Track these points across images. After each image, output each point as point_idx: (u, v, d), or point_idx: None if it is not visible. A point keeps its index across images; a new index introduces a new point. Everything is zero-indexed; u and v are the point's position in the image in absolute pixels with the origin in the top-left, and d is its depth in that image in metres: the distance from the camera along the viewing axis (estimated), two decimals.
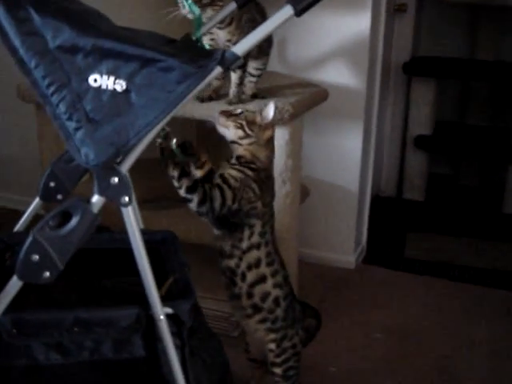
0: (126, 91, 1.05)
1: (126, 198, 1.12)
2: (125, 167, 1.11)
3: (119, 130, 1.05)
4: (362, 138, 2.47)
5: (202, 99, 1.83)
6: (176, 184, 1.38)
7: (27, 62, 1.05)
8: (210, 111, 1.74)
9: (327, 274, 2.54)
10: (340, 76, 2.40)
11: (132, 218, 1.13)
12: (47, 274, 1.11)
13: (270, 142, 1.50)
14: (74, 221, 1.10)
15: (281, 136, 1.86)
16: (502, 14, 3.33)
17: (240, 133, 1.44)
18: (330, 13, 2.33)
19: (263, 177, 1.47)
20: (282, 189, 1.93)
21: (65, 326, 1.19)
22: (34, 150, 2.23)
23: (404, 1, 3.15)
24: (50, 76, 1.05)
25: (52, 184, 1.48)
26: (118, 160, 1.11)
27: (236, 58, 1.08)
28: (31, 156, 2.45)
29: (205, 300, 2.11)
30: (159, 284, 1.26)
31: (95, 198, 1.11)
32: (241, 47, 1.09)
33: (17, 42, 1.04)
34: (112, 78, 1.04)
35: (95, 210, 1.11)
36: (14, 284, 1.13)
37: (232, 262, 1.49)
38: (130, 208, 1.13)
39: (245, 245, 1.47)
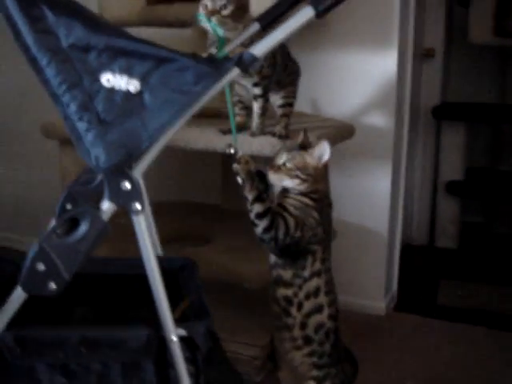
0: (140, 92, 1.01)
1: (138, 205, 1.07)
2: (137, 172, 1.06)
3: (131, 132, 1.01)
4: (390, 180, 2.40)
5: (224, 132, 1.79)
6: (248, 206, 1.39)
7: (39, 60, 1.02)
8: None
9: (356, 320, 2.42)
10: (368, 117, 2.37)
11: (143, 228, 1.07)
12: (53, 285, 1.05)
13: (326, 171, 1.48)
14: (82, 228, 1.05)
15: None
16: None
17: (297, 181, 1.42)
18: (358, 53, 2.33)
19: (324, 204, 1.47)
20: None
21: (71, 346, 1.12)
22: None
23: (432, 46, 3.15)
24: (61, 74, 1.02)
25: (69, 206, 1.43)
26: (131, 164, 1.06)
27: (254, 59, 1.04)
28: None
29: (226, 342, 2.03)
30: (174, 307, 1.19)
31: (105, 205, 1.06)
32: (259, 48, 1.05)
33: (29, 39, 1.02)
34: (125, 78, 1.01)
35: (105, 217, 1.06)
36: (18, 296, 1.07)
37: (290, 291, 1.45)
38: (141, 216, 1.07)
39: (307, 272, 1.44)
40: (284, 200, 1.44)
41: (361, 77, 2.34)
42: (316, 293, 1.46)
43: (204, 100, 1.04)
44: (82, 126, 1.02)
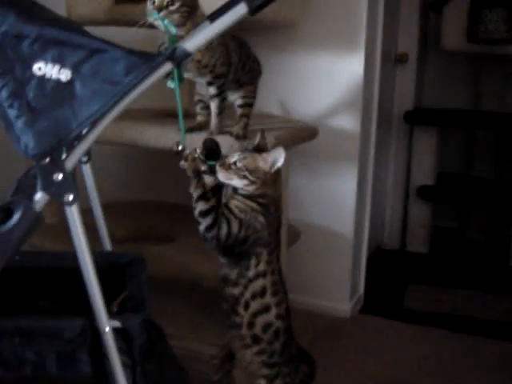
0: (71, 81, 1.03)
1: (70, 196, 1.08)
2: (70, 163, 1.07)
3: (61, 121, 1.03)
4: (356, 183, 2.42)
5: (191, 129, 1.78)
6: (193, 203, 1.40)
7: None
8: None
9: (319, 321, 2.43)
10: (334, 119, 2.38)
11: (76, 218, 1.08)
12: None
13: (278, 180, 1.47)
14: (14, 218, 1.06)
15: None
16: (505, 63, 3.32)
17: (245, 182, 1.41)
18: (325, 56, 2.35)
19: (272, 210, 1.45)
20: None
21: (6, 336, 1.13)
22: None
23: (405, 51, 3.17)
24: None
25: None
26: (63, 156, 1.07)
27: (186, 54, 1.06)
28: None
29: (186, 341, 2.04)
30: (112, 300, 1.20)
31: (38, 195, 1.07)
32: (192, 43, 1.07)
33: None
34: (57, 67, 1.02)
35: (37, 207, 1.07)
36: None
37: (236, 290, 1.45)
38: (74, 207, 1.08)
39: (251, 273, 1.44)
40: (231, 201, 1.43)
41: (328, 79, 2.36)
42: (262, 293, 1.45)
43: (137, 92, 1.05)
44: (12, 112, 1.03)
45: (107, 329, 1.13)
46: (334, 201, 2.45)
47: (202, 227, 1.39)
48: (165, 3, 1.49)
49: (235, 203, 1.42)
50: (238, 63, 1.72)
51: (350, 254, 2.49)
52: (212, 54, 1.61)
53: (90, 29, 1.78)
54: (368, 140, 2.55)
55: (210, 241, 1.41)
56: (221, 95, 1.70)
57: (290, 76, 2.41)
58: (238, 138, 1.73)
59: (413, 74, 3.26)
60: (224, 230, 1.39)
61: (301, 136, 2.03)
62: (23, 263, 1.46)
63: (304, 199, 2.46)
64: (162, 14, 1.48)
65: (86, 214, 1.47)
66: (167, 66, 1.06)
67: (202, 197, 1.39)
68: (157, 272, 1.89)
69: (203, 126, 1.79)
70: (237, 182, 1.42)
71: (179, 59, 1.05)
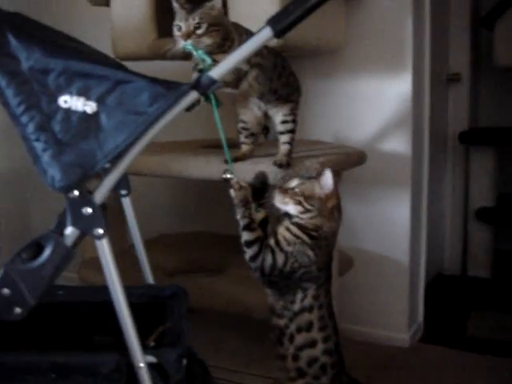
0: (96, 113, 1.03)
1: (100, 230, 1.07)
2: (98, 197, 1.07)
3: (87, 153, 1.03)
4: (410, 208, 2.34)
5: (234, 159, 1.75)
6: (239, 231, 1.37)
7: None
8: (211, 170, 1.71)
9: (376, 352, 2.35)
10: (385, 143, 2.33)
11: (107, 252, 1.07)
12: (18, 310, 1.06)
13: (335, 211, 1.41)
14: (45, 254, 1.05)
15: None
16: None
17: (300, 208, 1.37)
18: (372, 79, 2.32)
19: (323, 245, 1.39)
20: None
21: (42, 372, 1.12)
22: None
23: (457, 70, 3.10)
24: (20, 95, 1.04)
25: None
26: (92, 189, 1.07)
27: (212, 81, 1.04)
28: None
29: (237, 374, 2.01)
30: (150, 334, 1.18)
31: (68, 230, 1.07)
32: (218, 71, 1.05)
33: None
34: (82, 99, 1.03)
35: (68, 242, 1.07)
36: None
37: (281, 322, 1.41)
38: (104, 241, 1.07)
39: (296, 307, 1.39)
40: (279, 231, 1.38)
41: (375, 102, 2.32)
42: (308, 327, 1.40)
43: (163, 122, 1.04)
44: (39, 146, 1.04)
45: (142, 364, 1.11)
46: (388, 226, 2.38)
47: (247, 256, 1.36)
48: (192, 28, 1.45)
49: (284, 234, 1.37)
50: (269, 72, 1.66)
51: (407, 280, 2.41)
52: (260, 81, 1.60)
53: (135, 64, 1.83)
54: (421, 162, 2.48)
55: (254, 270, 1.37)
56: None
57: (336, 101, 2.38)
58: (281, 166, 1.67)
59: (466, 93, 3.18)
60: (268, 261, 1.35)
61: (348, 161, 1.98)
62: (75, 298, 1.48)
63: (356, 226, 2.41)
64: (192, 40, 1.45)
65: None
66: (192, 95, 1.04)
67: (248, 227, 1.35)
68: (206, 305, 1.88)
69: (248, 156, 1.75)
70: (291, 209, 1.37)
71: (205, 87, 1.04)
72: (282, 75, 1.70)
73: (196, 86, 1.04)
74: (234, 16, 1.84)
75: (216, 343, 2.20)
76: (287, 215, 1.40)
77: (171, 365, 1.14)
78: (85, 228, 1.06)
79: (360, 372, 2.09)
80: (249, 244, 1.35)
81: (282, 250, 1.35)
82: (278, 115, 1.75)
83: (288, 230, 1.37)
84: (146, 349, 1.14)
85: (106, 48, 1.92)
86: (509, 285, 3.11)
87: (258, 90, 1.63)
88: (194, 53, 1.48)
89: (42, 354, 1.16)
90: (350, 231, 2.40)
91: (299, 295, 1.38)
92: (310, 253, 1.36)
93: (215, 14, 1.49)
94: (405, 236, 2.37)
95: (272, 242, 1.37)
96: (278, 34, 1.04)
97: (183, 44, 1.48)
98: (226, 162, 1.66)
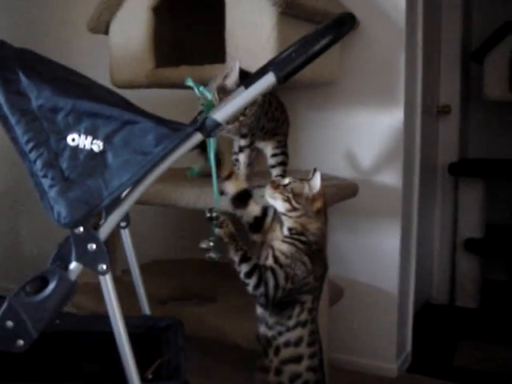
0: (103, 152, 1.06)
1: (104, 266, 1.10)
2: (103, 234, 1.10)
3: (93, 190, 1.06)
4: (400, 239, 2.38)
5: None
6: (236, 268, 1.39)
7: (9, 119, 1.08)
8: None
9: (364, 382, 2.37)
10: (376, 175, 2.37)
11: (110, 287, 1.10)
12: (21, 342, 1.08)
13: (321, 213, 1.47)
14: (50, 287, 1.08)
15: None
16: None
17: (287, 206, 1.42)
18: (364, 111, 2.36)
19: (314, 250, 1.44)
20: None
21: None
22: None
23: (447, 102, 3.16)
24: (29, 133, 1.08)
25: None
26: (97, 226, 1.09)
27: (216, 124, 1.08)
28: None
29: None
30: (148, 366, 1.20)
31: (72, 265, 1.10)
32: (221, 114, 1.09)
33: (2, 99, 1.09)
34: (90, 138, 1.06)
35: (72, 276, 1.09)
36: None
37: (270, 333, 1.43)
38: (107, 276, 1.10)
39: (292, 322, 1.42)
40: (275, 246, 1.42)
41: (368, 134, 2.36)
42: (297, 343, 1.42)
43: (168, 163, 1.07)
44: (46, 182, 1.07)
45: None
46: (378, 257, 2.41)
47: (250, 288, 1.38)
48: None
49: (280, 248, 1.41)
50: (260, 107, 1.73)
51: (396, 310, 2.43)
52: (252, 113, 1.64)
53: (132, 92, 1.85)
54: (411, 194, 2.52)
55: (259, 298, 1.39)
56: (251, 145, 1.73)
57: (329, 133, 2.43)
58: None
59: (456, 125, 3.24)
60: (271, 283, 1.37)
61: (341, 194, 2.03)
62: (67, 327, 1.50)
63: (346, 256, 2.44)
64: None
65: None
66: (197, 137, 1.08)
67: (244, 258, 1.38)
68: (198, 334, 1.89)
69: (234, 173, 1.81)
70: (279, 205, 1.42)
71: (209, 130, 1.07)
72: (268, 111, 1.76)
73: (200, 128, 1.07)
74: (231, 48, 1.89)
75: (207, 371, 2.21)
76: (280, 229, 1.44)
77: None
78: (89, 263, 1.09)
79: None
80: (249, 274, 1.38)
81: (281, 266, 1.39)
82: (267, 149, 1.82)
83: (283, 241, 1.42)
84: (144, 381, 1.16)
85: (103, 75, 1.97)
86: (496, 315, 3.15)
87: (247, 126, 1.68)
88: (195, 89, 1.52)
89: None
90: (341, 261, 2.43)
91: (297, 309, 1.41)
92: (306, 259, 1.40)
93: None
94: (394, 266, 2.40)
95: (270, 261, 1.40)
96: (281, 80, 1.08)
97: (185, 79, 1.52)
98: (222, 193, 1.71)
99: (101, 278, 1.10)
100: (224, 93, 1.53)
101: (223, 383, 2.12)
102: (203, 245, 1.38)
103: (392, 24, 2.28)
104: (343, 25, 1.09)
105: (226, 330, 1.91)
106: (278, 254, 1.41)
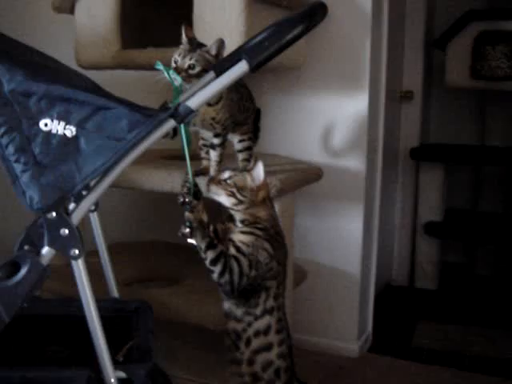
0: (76, 137, 1.06)
1: (76, 251, 1.10)
2: (75, 218, 1.10)
3: (66, 175, 1.06)
4: (362, 222, 2.43)
5: (196, 173, 1.80)
6: (202, 255, 1.39)
7: None
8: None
9: (327, 362, 2.42)
10: (340, 159, 2.40)
11: (82, 272, 1.11)
12: None
13: (267, 200, 1.48)
14: (21, 272, 1.08)
15: None
16: (509, 99, 3.35)
17: (233, 200, 1.43)
18: (329, 96, 2.39)
19: (273, 233, 1.46)
20: None
21: None
22: None
23: (410, 88, 3.21)
24: (1, 117, 1.07)
25: (26, 247, 1.47)
26: (69, 210, 1.10)
27: (189, 111, 1.09)
28: None
29: None
30: (118, 349, 1.21)
31: (44, 250, 1.10)
32: (195, 101, 1.10)
33: None
34: (62, 123, 1.06)
35: (44, 261, 1.10)
36: None
37: (239, 326, 1.44)
38: (80, 261, 1.10)
39: (259, 310, 1.44)
40: (234, 238, 1.43)
41: (333, 119, 2.39)
42: (266, 331, 1.44)
43: (142, 148, 1.08)
44: (18, 167, 1.06)
45: (112, 380, 1.14)
46: (341, 240, 2.46)
47: (215, 275, 1.39)
48: (185, 66, 1.51)
49: (240, 238, 1.42)
50: (235, 104, 1.74)
51: (358, 292, 2.49)
52: (226, 110, 1.65)
53: (98, 73, 1.84)
54: (374, 178, 2.56)
55: (224, 286, 1.40)
56: (223, 144, 1.73)
57: (295, 117, 2.45)
58: None
59: (418, 111, 3.30)
60: (236, 270, 1.38)
61: (306, 178, 2.05)
62: (33, 310, 1.49)
63: (310, 239, 2.48)
64: (181, 76, 1.50)
65: (94, 255, 1.51)
66: (170, 123, 1.08)
67: (210, 245, 1.38)
68: (162, 315, 1.91)
69: (208, 171, 1.81)
70: (224, 200, 1.43)
71: (182, 117, 1.08)
72: (240, 104, 1.77)
73: (174, 114, 1.08)
74: (199, 32, 1.89)
75: (172, 353, 2.23)
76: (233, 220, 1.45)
77: (141, 380, 1.18)
78: (61, 248, 1.09)
79: (311, 381, 2.16)
80: (215, 261, 1.38)
81: (244, 254, 1.40)
82: (236, 136, 1.83)
83: (241, 232, 1.43)
84: (115, 364, 1.17)
85: (68, 56, 1.94)
86: (453, 296, 3.24)
87: (221, 119, 1.68)
88: (165, 72, 1.52)
89: (11, 369, 1.18)
90: (305, 244, 2.47)
91: (263, 296, 1.43)
92: (267, 245, 1.42)
93: (210, 58, 1.54)
94: (357, 249, 2.45)
95: (233, 250, 1.41)
96: (254, 68, 1.09)
97: (155, 63, 1.52)
98: (196, 173, 1.72)
99: (73, 262, 1.10)
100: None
101: (189, 365, 2.14)
102: (183, 230, 1.36)
103: (358, 10, 2.30)
104: (316, 15, 1.10)
105: (190, 312, 1.93)
106: (238, 244, 1.42)
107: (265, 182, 1.47)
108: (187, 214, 1.38)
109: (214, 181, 1.45)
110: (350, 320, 2.50)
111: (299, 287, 2.27)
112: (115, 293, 1.54)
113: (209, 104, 1.64)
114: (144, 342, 1.32)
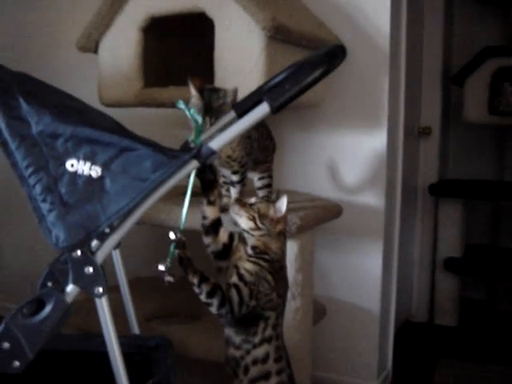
0: (101, 177, 1.08)
1: (100, 289, 1.12)
2: (99, 257, 1.12)
3: (91, 215, 1.08)
4: (382, 259, 2.42)
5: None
6: (196, 290, 1.38)
7: (9, 144, 1.10)
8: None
9: None
10: (359, 196, 2.41)
11: (106, 310, 1.12)
12: (17, 363, 1.09)
13: (282, 234, 1.50)
14: (46, 309, 1.10)
15: (289, 249, 1.80)
16: None
17: (251, 224, 1.45)
18: (348, 133, 2.41)
19: (277, 268, 1.47)
20: (291, 304, 1.86)
21: None
22: None
23: (428, 124, 3.23)
24: (28, 158, 1.10)
25: (49, 284, 1.49)
26: (94, 249, 1.12)
27: (211, 152, 1.11)
28: None
29: None
30: None
31: (69, 288, 1.12)
32: (217, 142, 1.12)
33: (3, 124, 1.11)
34: (88, 164, 1.08)
35: (68, 299, 1.11)
36: None
37: (238, 353, 1.44)
38: (103, 299, 1.12)
39: (257, 339, 1.43)
40: (240, 265, 1.44)
41: (351, 156, 2.41)
42: (264, 359, 1.43)
43: (165, 188, 1.10)
44: (44, 206, 1.09)
45: None
46: (360, 276, 2.45)
47: (214, 308, 1.37)
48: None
49: (245, 266, 1.43)
50: (254, 142, 1.77)
51: (377, 329, 2.47)
52: (241, 148, 1.67)
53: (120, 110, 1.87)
54: (393, 214, 2.57)
55: (225, 316, 1.39)
56: (243, 181, 1.76)
57: (314, 154, 2.47)
58: None
59: (436, 147, 3.31)
60: (235, 300, 1.37)
61: (325, 215, 2.06)
62: (56, 346, 1.51)
63: (330, 275, 2.48)
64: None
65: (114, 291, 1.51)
66: (193, 164, 1.11)
67: (203, 279, 1.37)
68: (183, 352, 1.90)
69: (227, 209, 1.82)
70: (244, 222, 1.45)
71: (205, 158, 1.11)
72: (260, 143, 1.80)
73: (197, 155, 1.10)
74: (220, 71, 1.93)
75: None
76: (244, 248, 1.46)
77: None
78: (86, 286, 1.11)
79: None
80: (212, 294, 1.37)
81: (246, 283, 1.40)
82: (256, 174, 1.86)
83: (248, 260, 1.44)
84: None
85: (92, 94, 1.99)
86: (474, 333, 3.20)
87: (237, 157, 1.71)
88: (187, 112, 1.55)
89: None
90: (324, 281, 2.46)
91: (262, 325, 1.43)
92: (270, 277, 1.43)
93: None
94: (376, 285, 2.44)
95: (234, 279, 1.41)
96: (275, 110, 1.11)
97: (176, 102, 1.55)
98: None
99: (97, 300, 1.12)
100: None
101: None
102: (161, 267, 1.33)
103: (376, 48, 2.34)
104: (335, 58, 1.13)
105: (210, 348, 1.93)
106: (242, 271, 1.42)
107: (285, 216, 1.49)
108: (179, 251, 1.36)
109: (241, 202, 1.48)
110: (370, 357, 2.48)
111: (319, 324, 2.26)
112: (136, 329, 1.55)
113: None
114: (165, 378, 1.32)
